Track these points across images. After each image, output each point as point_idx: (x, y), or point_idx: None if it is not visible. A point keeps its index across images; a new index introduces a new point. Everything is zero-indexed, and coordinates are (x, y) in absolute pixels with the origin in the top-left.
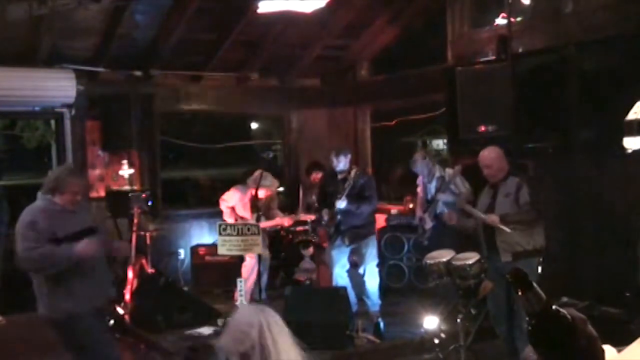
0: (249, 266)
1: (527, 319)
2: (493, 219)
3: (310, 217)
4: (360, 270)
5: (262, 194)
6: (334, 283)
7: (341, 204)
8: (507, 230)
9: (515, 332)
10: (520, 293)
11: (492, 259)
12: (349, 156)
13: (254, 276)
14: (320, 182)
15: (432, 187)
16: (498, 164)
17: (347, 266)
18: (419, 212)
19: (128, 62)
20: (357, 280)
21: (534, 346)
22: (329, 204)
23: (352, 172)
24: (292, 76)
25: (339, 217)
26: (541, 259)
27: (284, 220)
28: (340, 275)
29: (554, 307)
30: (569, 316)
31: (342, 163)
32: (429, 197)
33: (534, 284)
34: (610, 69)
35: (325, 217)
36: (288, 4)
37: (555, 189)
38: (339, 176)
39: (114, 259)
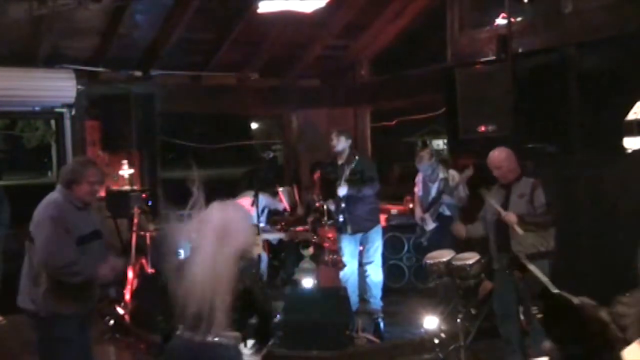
0: None
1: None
2: (511, 216)
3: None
4: (364, 267)
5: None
6: (341, 275)
7: (342, 190)
8: (520, 232)
9: (525, 338)
10: (519, 275)
11: (501, 259)
12: (350, 141)
13: None
14: (320, 174)
15: (435, 187)
16: (508, 164)
17: (357, 256)
18: (418, 212)
19: (128, 62)
20: (362, 278)
21: (546, 331)
22: (332, 193)
23: (355, 159)
24: (292, 76)
25: (343, 205)
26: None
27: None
28: (351, 268)
29: (555, 290)
30: (575, 299)
31: (341, 144)
32: (430, 197)
33: (531, 267)
34: (610, 69)
35: (332, 207)
36: (288, 4)
37: (555, 189)
38: (339, 161)
39: None
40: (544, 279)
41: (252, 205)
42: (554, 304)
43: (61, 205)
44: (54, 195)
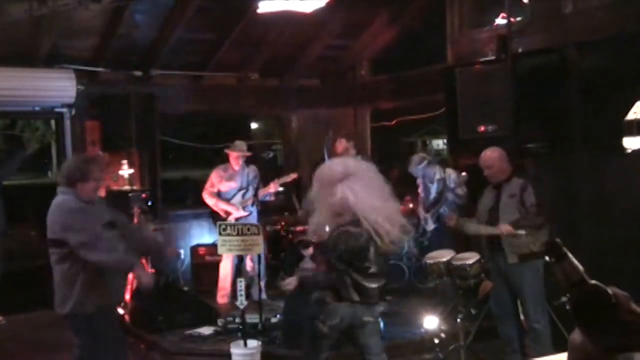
0: (225, 268)
1: (566, 296)
2: (506, 228)
3: (294, 176)
4: None
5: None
6: None
7: None
8: (523, 233)
9: (525, 337)
10: (555, 262)
11: (495, 260)
12: (351, 142)
13: (229, 278)
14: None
15: (434, 188)
16: (499, 165)
17: None
18: (420, 212)
19: (128, 62)
20: None
21: (575, 319)
22: None
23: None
24: (292, 76)
25: None
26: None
27: (270, 187)
28: None
29: (592, 281)
30: (609, 290)
31: (342, 146)
32: (431, 197)
33: (569, 254)
34: (610, 69)
35: None
36: (288, 4)
37: (555, 189)
38: None
39: None
40: (581, 267)
41: (253, 205)
42: (591, 294)
43: (74, 202)
44: (62, 197)
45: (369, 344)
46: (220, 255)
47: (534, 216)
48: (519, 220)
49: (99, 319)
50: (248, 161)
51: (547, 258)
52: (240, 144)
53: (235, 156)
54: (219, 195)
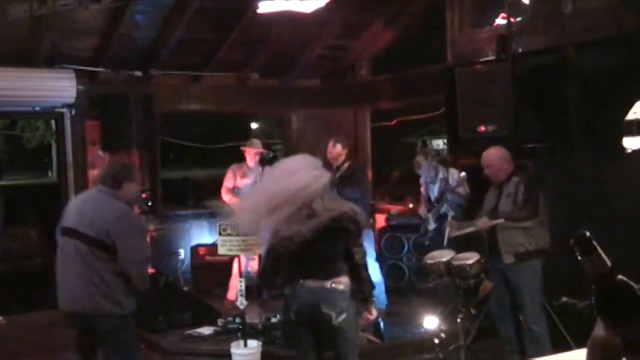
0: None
1: (593, 286)
2: (482, 221)
3: None
4: None
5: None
6: None
7: None
8: (501, 221)
9: (524, 338)
10: (583, 256)
11: (494, 260)
12: (346, 150)
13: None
14: None
15: (436, 188)
16: (499, 164)
17: None
18: (423, 211)
19: (128, 62)
20: None
21: (598, 313)
22: None
23: (345, 164)
24: (292, 76)
25: None
26: (544, 260)
27: None
28: None
29: (620, 276)
30: (636, 287)
31: (336, 151)
32: (432, 198)
33: (598, 247)
34: (610, 69)
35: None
36: (288, 4)
37: (555, 189)
38: (334, 166)
39: None
40: (609, 261)
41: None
42: (618, 286)
43: (134, 214)
44: (113, 201)
45: (337, 343)
46: (221, 255)
47: (515, 211)
48: (497, 213)
49: (129, 323)
50: (263, 162)
51: (577, 254)
52: (257, 142)
53: (253, 153)
54: (233, 191)
